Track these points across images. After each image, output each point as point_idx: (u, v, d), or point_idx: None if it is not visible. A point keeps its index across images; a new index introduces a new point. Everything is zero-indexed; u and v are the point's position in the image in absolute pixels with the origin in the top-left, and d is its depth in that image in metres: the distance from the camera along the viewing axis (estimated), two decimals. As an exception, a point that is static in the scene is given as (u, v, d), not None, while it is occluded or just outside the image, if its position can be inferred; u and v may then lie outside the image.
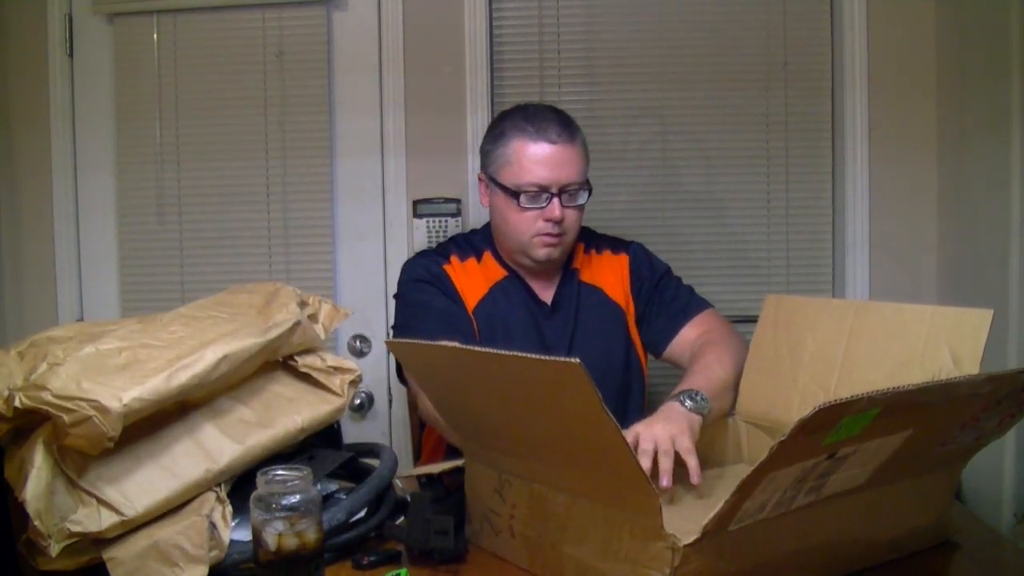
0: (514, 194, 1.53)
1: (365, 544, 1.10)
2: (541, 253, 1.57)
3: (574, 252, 1.67)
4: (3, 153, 2.24)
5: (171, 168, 2.23)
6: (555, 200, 1.52)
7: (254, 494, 0.94)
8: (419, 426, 1.86)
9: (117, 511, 0.97)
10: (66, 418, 0.94)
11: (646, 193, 2.22)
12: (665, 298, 1.64)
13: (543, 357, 0.83)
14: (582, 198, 1.56)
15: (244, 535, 1.03)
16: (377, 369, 2.22)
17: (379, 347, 2.23)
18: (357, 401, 2.23)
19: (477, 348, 0.96)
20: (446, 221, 2.18)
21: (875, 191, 2.16)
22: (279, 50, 2.20)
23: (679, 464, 1.14)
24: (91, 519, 0.96)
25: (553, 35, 2.20)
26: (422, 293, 1.60)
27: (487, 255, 1.66)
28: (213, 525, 1.00)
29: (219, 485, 1.05)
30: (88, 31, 2.22)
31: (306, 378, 1.21)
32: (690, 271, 1.87)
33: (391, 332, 1.79)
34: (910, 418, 0.86)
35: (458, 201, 2.19)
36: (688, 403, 1.25)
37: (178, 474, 1.02)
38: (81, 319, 2.25)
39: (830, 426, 0.79)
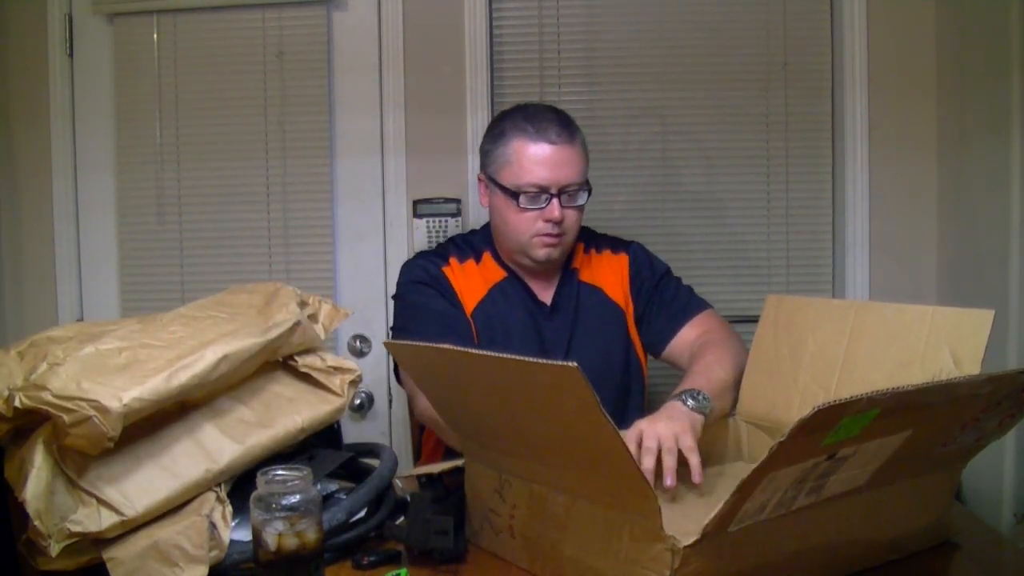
0: (514, 194, 1.53)
1: (365, 544, 1.10)
2: (541, 253, 1.56)
3: (574, 252, 1.67)
4: (3, 153, 2.24)
5: (171, 168, 2.23)
6: (555, 200, 1.52)
7: (254, 494, 0.94)
8: (419, 426, 1.86)
9: (117, 511, 0.97)
10: (66, 418, 0.94)
11: (646, 193, 2.22)
12: (665, 298, 1.64)
13: (540, 360, 0.83)
14: (582, 198, 1.56)
15: (244, 535, 1.03)
16: (377, 369, 2.22)
17: (379, 347, 2.23)
18: (357, 401, 2.23)
19: (475, 351, 0.96)
20: (446, 221, 2.18)
21: (875, 191, 2.16)
22: (279, 50, 2.20)
23: (681, 463, 1.14)
24: (91, 519, 0.96)
25: (553, 35, 2.20)
26: (420, 295, 1.60)
27: (486, 256, 1.66)
28: (213, 525, 1.00)
29: (219, 485, 1.05)
30: (88, 31, 2.22)
31: (306, 378, 1.21)
32: (690, 271, 1.88)
33: (390, 333, 1.79)
34: (910, 419, 0.86)
35: (458, 201, 2.19)
36: (690, 402, 1.26)
37: (178, 474, 1.02)
38: (81, 319, 2.25)
39: (830, 426, 0.79)
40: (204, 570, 0.97)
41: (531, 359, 0.84)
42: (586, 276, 1.66)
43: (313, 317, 1.25)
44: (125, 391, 0.96)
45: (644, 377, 1.68)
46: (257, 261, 2.23)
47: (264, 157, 2.22)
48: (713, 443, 1.31)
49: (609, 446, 0.84)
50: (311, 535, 0.94)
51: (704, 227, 2.22)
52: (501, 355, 0.89)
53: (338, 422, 1.25)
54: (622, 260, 1.69)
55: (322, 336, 1.24)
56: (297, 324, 1.17)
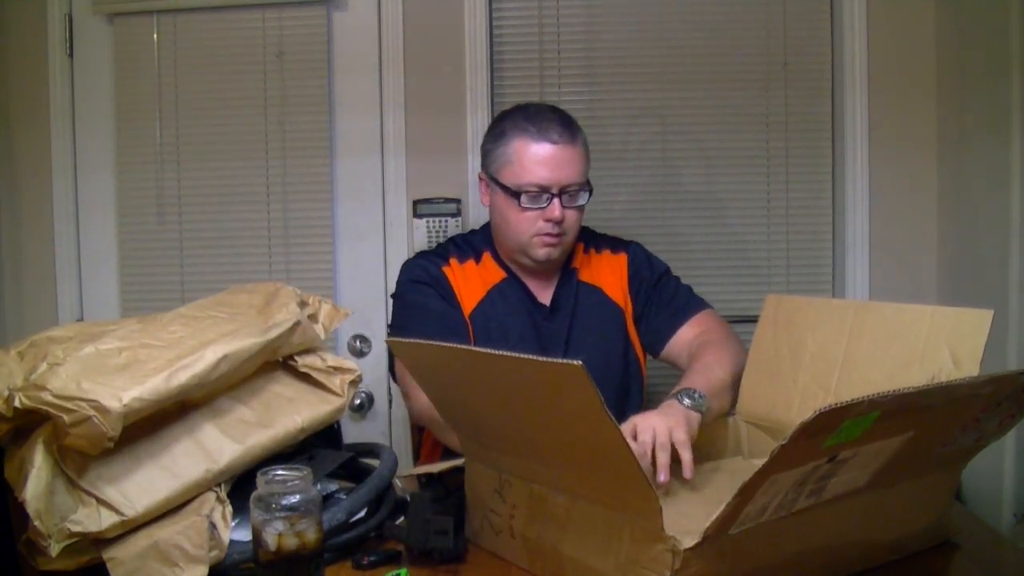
0: (515, 194, 1.53)
1: (365, 544, 1.10)
2: (541, 253, 1.57)
3: (573, 251, 1.67)
4: (3, 153, 2.24)
5: (171, 168, 2.23)
6: (555, 200, 1.52)
7: (254, 494, 0.94)
8: (418, 426, 1.86)
9: (117, 511, 0.97)
10: (66, 418, 0.94)
11: (646, 193, 2.22)
12: (664, 298, 1.64)
13: (545, 359, 0.83)
14: (582, 199, 1.56)
15: (244, 535, 1.03)
16: (377, 369, 2.22)
17: (379, 347, 2.23)
18: (357, 401, 2.23)
19: (478, 348, 0.96)
20: (446, 221, 2.18)
21: (875, 191, 2.16)
22: (279, 50, 2.20)
23: (675, 460, 1.15)
24: (91, 519, 0.96)
25: (553, 35, 2.20)
26: (419, 294, 1.60)
27: (486, 256, 1.66)
28: (213, 525, 1.00)
29: (219, 485, 1.05)
30: (88, 31, 2.22)
31: (306, 378, 1.21)
32: (690, 271, 1.87)
33: (389, 332, 1.79)
34: (911, 420, 0.86)
35: (458, 201, 2.19)
36: (687, 401, 1.26)
37: (178, 474, 1.02)
38: (81, 319, 2.25)
39: (831, 429, 0.79)
40: (204, 570, 0.97)
41: (535, 357, 0.84)
42: (585, 276, 1.66)
43: (313, 317, 1.25)
44: (125, 391, 0.96)
45: (643, 376, 1.68)
46: (257, 261, 2.23)
47: (264, 157, 2.22)
48: (712, 442, 1.31)
49: (611, 446, 0.84)
50: (311, 535, 0.94)
51: (704, 227, 2.22)
52: (505, 353, 0.89)
53: (338, 422, 1.25)
54: (621, 260, 1.69)
55: (322, 336, 1.24)
56: (297, 324, 1.17)
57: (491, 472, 1.06)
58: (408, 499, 1.13)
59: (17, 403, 0.96)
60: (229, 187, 2.23)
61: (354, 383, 1.22)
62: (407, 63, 2.19)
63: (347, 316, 1.31)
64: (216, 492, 1.04)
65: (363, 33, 2.20)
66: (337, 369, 1.21)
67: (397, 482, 1.23)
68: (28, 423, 1.01)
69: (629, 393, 1.65)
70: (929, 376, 1.08)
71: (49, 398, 0.94)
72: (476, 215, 2.16)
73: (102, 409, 0.93)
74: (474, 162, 2.09)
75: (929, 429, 0.90)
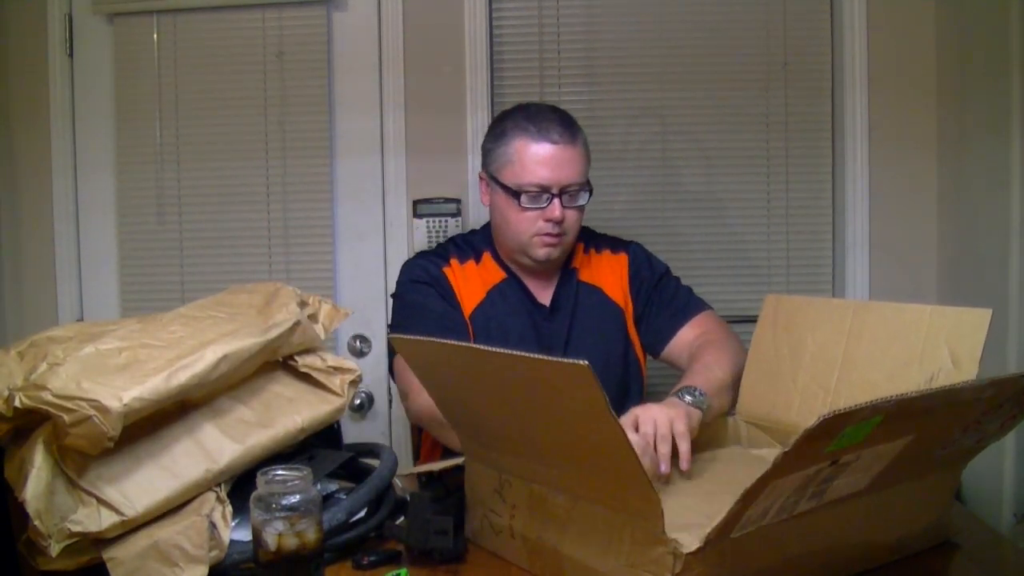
0: (515, 194, 1.53)
1: (365, 544, 1.10)
2: (541, 253, 1.57)
3: (573, 252, 1.67)
4: (3, 153, 2.24)
5: (171, 168, 2.23)
6: (556, 200, 1.52)
7: (254, 494, 0.94)
8: (418, 426, 1.86)
9: (117, 511, 0.97)
10: (66, 418, 0.94)
11: (646, 193, 2.22)
12: (664, 298, 1.65)
13: (551, 358, 0.83)
14: (583, 199, 1.56)
15: (244, 535, 1.03)
16: (377, 369, 2.22)
17: (379, 347, 2.23)
18: (357, 401, 2.23)
19: (482, 347, 0.96)
20: (446, 221, 2.18)
21: (875, 191, 2.16)
22: (279, 50, 2.20)
23: (674, 453, 1.17)
24: (91, 519, 0.96)
25: (553, 35, 2.20)
26: (419, 294, 1.60)
27: (486, 256, 1.66)
28: (213, 525, 1.00)
29: (219, 485, 1.05)
30: (88, 31, 2.22)
31: (306, 378, 1.21)
32: (690, 271, 1.88)
33: (389, 332, 1.79)
34: (912, 424, 0.86)
35: (458, 201, 2.19)
36: (688, 398, 1.28)
37: (178, 474, 1.02)
38: (81, 319, 2.25)
39: (833, 435, 0.79)
40: (204, 570, 0.97)
41: (541, 356, 0.84)
42: (585, 276, 1.66)
43: (313, 317, 1.25)
44: (125, 391, 0.96)
45: (643, 377, 1.68)
46: (257, 261, 2.23)
47: (264, 157, 2.22)
48: (712, 439, 1.32)
49: (614, 446, 0.84)
50: (311, 535, 0.94)
51: (704, 227, 2.22)
52: (509, 352, 0.88)
53: (338, 422, 1.25)
54: (622, 260, 1.69)
55: (322, 336, 1.24)
56: (297, 324, 1.17)
57: (491, 472, 1.06)
58: (408, 499, 1.13)
59: (17, 403, 0.96)
60: (229, 187, 2.23)
61: (354, 383, 1.22)
62: (407, 63, 2.19)
63: (347, 316, 1.31)
64: (216, 492, 1.04)
65: (363, 33, 2.20)
66: (337, 369, 1.21)
67: (397, 482, 1.23)
68: (28, 423, 1.01)
69: (629, 393, 1.65)
70: (929, 376, 1.08)
71: (49, 398, 0.94)
72: (476, 215, 2.16)
73: (102, 409, 0.93)
74: (474, 162, 2.09)
75: (930, 431, 0.90)
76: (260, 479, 0.94)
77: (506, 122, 1.58)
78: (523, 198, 1.53)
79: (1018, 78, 1.77)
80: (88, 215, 2.26)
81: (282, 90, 2.21)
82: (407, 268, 1.66)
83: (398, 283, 1.65)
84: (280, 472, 0.95)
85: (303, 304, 1.23)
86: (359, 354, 2.24)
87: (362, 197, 2.23)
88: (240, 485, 1.07)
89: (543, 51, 2.20)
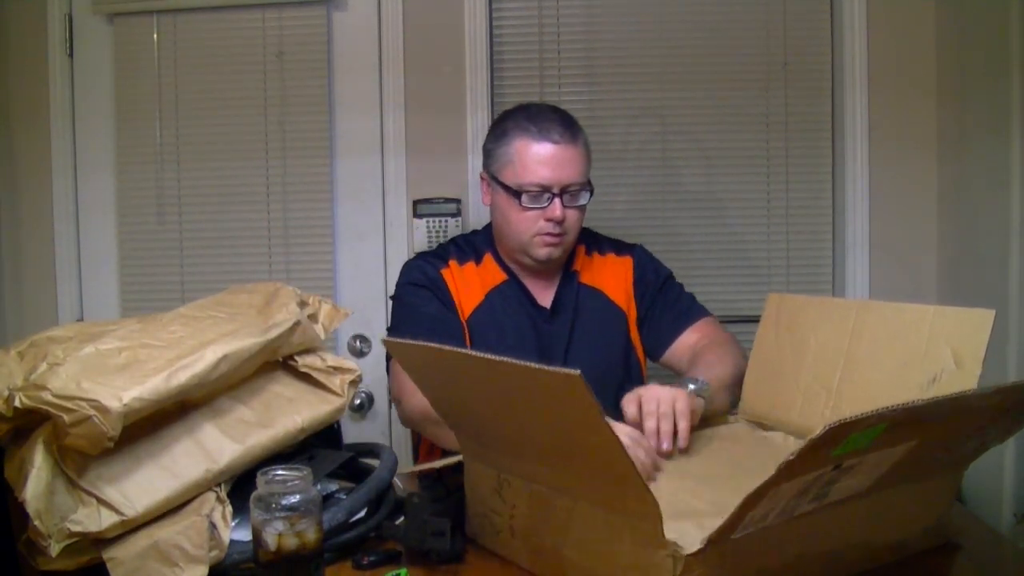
0: (516, 193, 1.53)
1: (365, 544, 1.10)
2: (542, 253, 1.56)
3: (574, 254, 1.66)
4: (3, 153, 2.24)
5: (171, 168, 2.23)
6: (556, 200, 1.52)
7: (254, 494, 0.94)
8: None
9: (117, 511, 0.97)
10: (66, 418, 0.94)
11: (646, 193, 2.21)
12: (668, 301, 1.65)
13: (543, 367, 0.82)
14: (583, 198, 1.56)
15: (244, 535, 1.03)
16: (377, 369, 2.21)
17: (379, 347, 2.23)
18: (357, 401, 2.23)
19: (474, 353, 0.95)
20: (446, 221, 2.18)
21: (875, 191, 2.16)
22: (279, 50, 2.20)
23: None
24: (91, 519, 0.96)
25: (553, 35, 2.20)
26: (416, 297, 1.60)
27: (487, 257, 1.65)
28: (213, 525, 1.00)
29: (219, 485, 1.05)
30: (88, 31, 2.22)
31: (306, 378, 1.21)
32: (690, 271, 1.88)
33: (388, 333, 1.79)
34: (917, 430, 0.86)
35: (458, 201, 2.19)
36: (691, 386, 1.31)
37: (178, 474, 1.02)
38: (81, 319, 2.25)
39: (838, 442, 0.78)
40: (204, 570, 0.97)
41: (533, 364, 0.83)
42: (587, 278, 1.66)
43: (313, 317, 1.24)
44: (125, 391, 0.96)
45: (644, 381, 1.68)
46: (257, 261, 2.23)
47: (264, 157, 2.22)
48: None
49: (609, 452, 0.84)
50: (311, 535, 0.94)
51: (704, 227, 2.22)
52: (502, 359, 0.87)
53: (338, 422, 1.25)
54: (627, 263, 1.69)
55: (322, 336, 1.24)
56: (297, 324, 1.17)
57: (490, 472, 1.06)
58: (406, 499, 1.13)
59: (17, 403, 0.96)
60: (229, 187, 2.23)
61: (354, 383, 1.22)
62: (407, 63, 2.19)
63: (347, 316, 1.31)
64: (216, 492, 1.04)
65: (363, 33, 2.20)
66: (337, 369, 1.21)
67: (397, 482, 1.23)
68: (28, 423, 1.00)
69: (629, 394, 1.65)
70: (931, 376, 1.08)
71: (49, 398, 0.94)
72: (476, 215, 2.16)
73: (102, 409, 0.93)
74: (474, 162, 2.09)
75: (935, 437, 0.90)
76: (260, 479, 0.94)
77: (507, 122, 1.58)
78: (524, 198, 1.53)
79: (1018, 78, 1.77)
80: (88, 215, 2.26)
81: (282, 90, 2.21)
82: (405, 270, 1.66)
83: (397, 285, 1.65)
84: (280, 472, 0.95)
85: (303, 304, 1.23)
86: (359, 354, 2.24)
87: (362, 197, 2.23)
88: (240, 485, 1.07)
89: (543, 51, 2.20)
